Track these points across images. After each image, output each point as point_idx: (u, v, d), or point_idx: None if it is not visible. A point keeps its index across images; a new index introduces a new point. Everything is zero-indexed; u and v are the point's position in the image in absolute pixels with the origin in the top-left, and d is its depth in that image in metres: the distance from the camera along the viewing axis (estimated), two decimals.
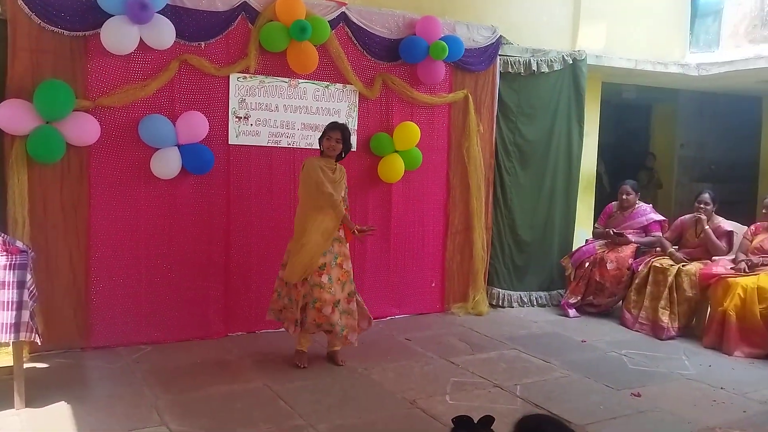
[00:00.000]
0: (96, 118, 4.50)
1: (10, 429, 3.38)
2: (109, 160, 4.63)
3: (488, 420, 1.92)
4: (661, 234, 6.21)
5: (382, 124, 5.60)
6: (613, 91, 8.29)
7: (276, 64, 5.11)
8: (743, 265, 5.36)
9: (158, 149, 4.69)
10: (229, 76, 4.94)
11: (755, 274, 5.26)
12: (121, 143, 4.65)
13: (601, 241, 6.29)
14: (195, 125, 4.76)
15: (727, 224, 5.91)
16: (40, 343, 3.80)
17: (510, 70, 6.18)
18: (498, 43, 6.05)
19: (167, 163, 4.70)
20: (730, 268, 5.42)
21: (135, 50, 4.54)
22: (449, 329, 5.50)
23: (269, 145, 5.17)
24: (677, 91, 9.13)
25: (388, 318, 5.69)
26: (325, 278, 4.33)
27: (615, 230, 6.22)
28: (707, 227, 5.79)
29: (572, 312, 6.11)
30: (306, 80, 5.24)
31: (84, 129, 4.43)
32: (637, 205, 6.37)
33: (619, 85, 8.38)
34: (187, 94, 4.83)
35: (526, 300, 6.39)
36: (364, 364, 4.55)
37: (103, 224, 4.63)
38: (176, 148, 4.72)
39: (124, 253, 4.71)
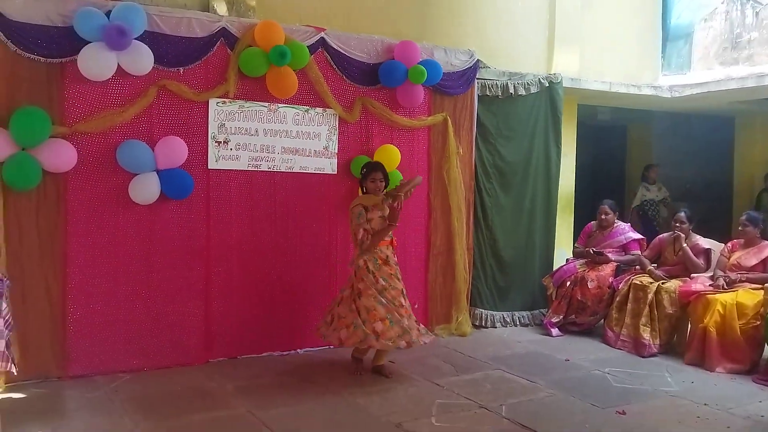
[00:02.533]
0: (73, 144, 4.46)
1: None
2: (87, 187, 4.58)
3: None
4: (639, 252, 6.28)
5: (363, 147, 5.62)
6: (588, 113, 8.43)
7: (255, 89, 5.12)
8: (722, 281, 5.43)
9: (137, 174, 4.65)
10: (208, 101, 4.94)
11: (734, 291, 5.33)
12: (98, 169, 4.60)
13: (582, 260, 6.34)
14: (174, 150, 4.74)
15: (704, 242, 6.00)
16: (15, 373, 3.70)
17: (488, 93, 6.27)
18: (476, 66, 6.13)
19: (146, 189, 4.66)
20: (709, 285, 5.48)
21: (113, 76, 4.52)
22: (433, 351, 5.46)
23: (249, 169, 5.16)
24: (652, 112, 9.31)
25: None
26: (389, 296, 4.72)
27: (595, 249, 6.28)
28: (685, 245, 5.87)
29: (555, 331, 6.12)
30: (285, 104, 5.26)
31: (60, 155, 4.39)
32: (615, 224, 6.45)
33: (595, 106, 8.52)
34: (165, 119, 4.81)
35: (508, 320, 6.40)
36: (348, 389, 4.50)
37: (81, 251, 4.56)
38: (155, 173, 4.68)
39: (101, 280, 4.63)
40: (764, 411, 4.27)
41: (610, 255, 6.23)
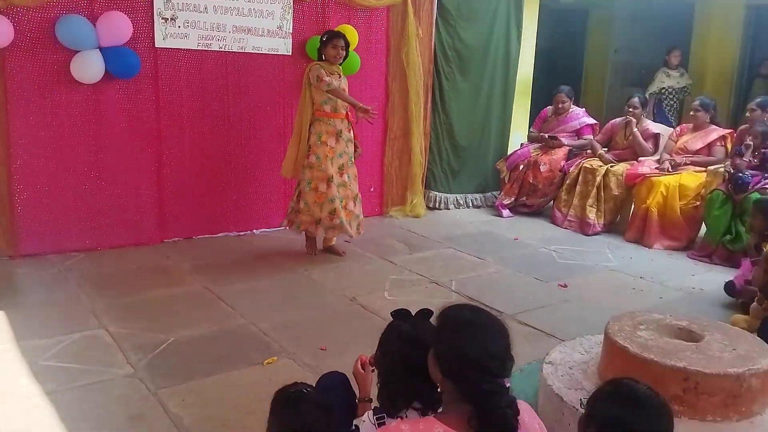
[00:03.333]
0: (8, 18, 4.19)
1: None
2: (26, 64, 4.36)
3: (426, 312, 2.00)
4: (592, 137, 6.39)
5: (318, 27, 5.42)
6: None
7: None
8: (667, 164, 5.61)
9: (78, 52, 4.43)
10: None
11: (678, 173, 5.53)
12: (37, 45, 4.37)
13: (536, 145, 6.44)
14: (117, 26, 4.51)
15: (654, 126, 6.15)
16: None
17: None
18: None
19: (89, 67, 4.47)
20: (655, 168, 5.67)
21: None
22: (388, 231, 5.62)
23: (199, 48, 4.96)
24: None
25: None
26: (345, 177, 4.66)
27: (549, 134, 6.35)
28: (636, 129, 5.99)
29: (506, 212, 6.31)
30: None
31: None
32: (570, 110, 6.50)
33: None
34: None
35: (462, 202, 6.56)
36: (304, 266, 4.63)
37: (24, 131, 4.42)
38: (98, 50, 4.48)
39: (48, 160, 4.53)
40: (695, 284, 4.57)
41: (563, 139, 6.33)
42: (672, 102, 8.13)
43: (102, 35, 4.45)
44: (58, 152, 4.55)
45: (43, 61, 4.41)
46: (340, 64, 4.76)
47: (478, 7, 6.26)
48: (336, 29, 5.16)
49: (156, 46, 4.78)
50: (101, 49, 4.48)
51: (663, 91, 8.13)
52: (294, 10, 5.30)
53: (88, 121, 4.62)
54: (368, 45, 5.71)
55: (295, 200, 4.74)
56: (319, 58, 4.74)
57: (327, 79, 4.54)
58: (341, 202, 4.64)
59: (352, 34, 5.40)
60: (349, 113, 4.75)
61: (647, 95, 8.04)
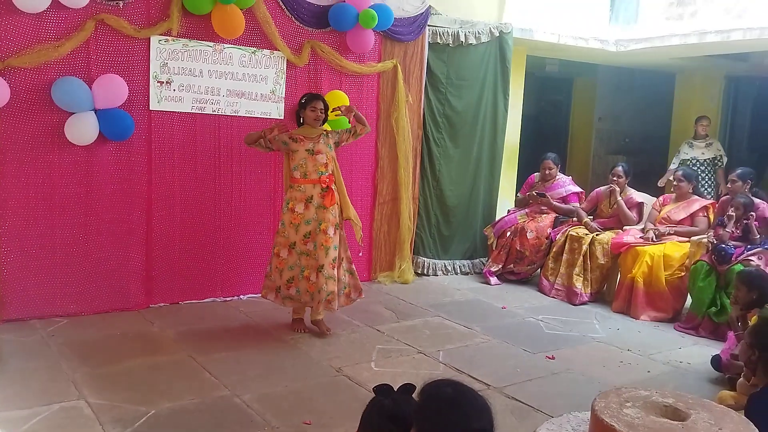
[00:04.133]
0: (5, 79, 4.23)
1: None
2: (20, 125, 4.39)
3: (409, 387, 1.98)
4: (578, 204, 6.48)
5: (311, 92, 5.52)
6: (537, 64, 8.48)
7: (200, 28, 4.94)
8: (651, 234, 5.69)
9: (73, 113, 4.48)
10: (149, 39, 4.75)
11: (662, 243, 5.59)
12: (32, 107, 4.41)
13: (523, 211, 6.51)
14: (113, 89, 4.57)
15: (637, 196, 6.25)
16: None
17: (438, 40, 6.22)
18: (427, 13, 6.07)
19: (83, 129, 4.50)
20: (640, 238, 5.74)
21: (48, 8, 4.29)
22: (376, 298, 5.59)
23: (193, 111, 5.03)
24: (597, 66, 9.44)
25: None
26: (310, 245, 4.48)
27: (537, 191, 6.43)
28: (620, 198, 6.10)
29: (494, 280, 6.32)
30: (232, 45, 5.11)
31: None
32: (557, 177, 6.61)
33: (543, 58, 8.57)
34: (104, 56, 4.61)
35: (450, 268, 6.57)
36: (290, 335, 4.57)
37: (14, 192, 4.41)
38: (93, 112, 4.52)
39: (37, 222, 4.50)
40: (683, 357, 4.56)
41: (550, 198, 6.40)
42: (705, 174, 7.70)
43: (98, 98, 4.51)
44: (46, 214, 4.53)
45: (37, 122, 4.44)
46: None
47: (467, 75, 6.42)
48: (326, 94, 5.26)
49: (150, 108, 4.84)
50: (96, 111, 4.53)
51: (686, 162, 7.76)
52: (287, 76, 5.41)
53: (79, 183, 4.63)
54: (359, 110, 5.76)
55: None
56: (298, 122, 4.75)
57: (279, 139, 4.58)
58: (302, 271, 4.50)
59: (342, 99, 5.52)
60: (323, 177, 4.52)
61: (673, 169, 7.55)
